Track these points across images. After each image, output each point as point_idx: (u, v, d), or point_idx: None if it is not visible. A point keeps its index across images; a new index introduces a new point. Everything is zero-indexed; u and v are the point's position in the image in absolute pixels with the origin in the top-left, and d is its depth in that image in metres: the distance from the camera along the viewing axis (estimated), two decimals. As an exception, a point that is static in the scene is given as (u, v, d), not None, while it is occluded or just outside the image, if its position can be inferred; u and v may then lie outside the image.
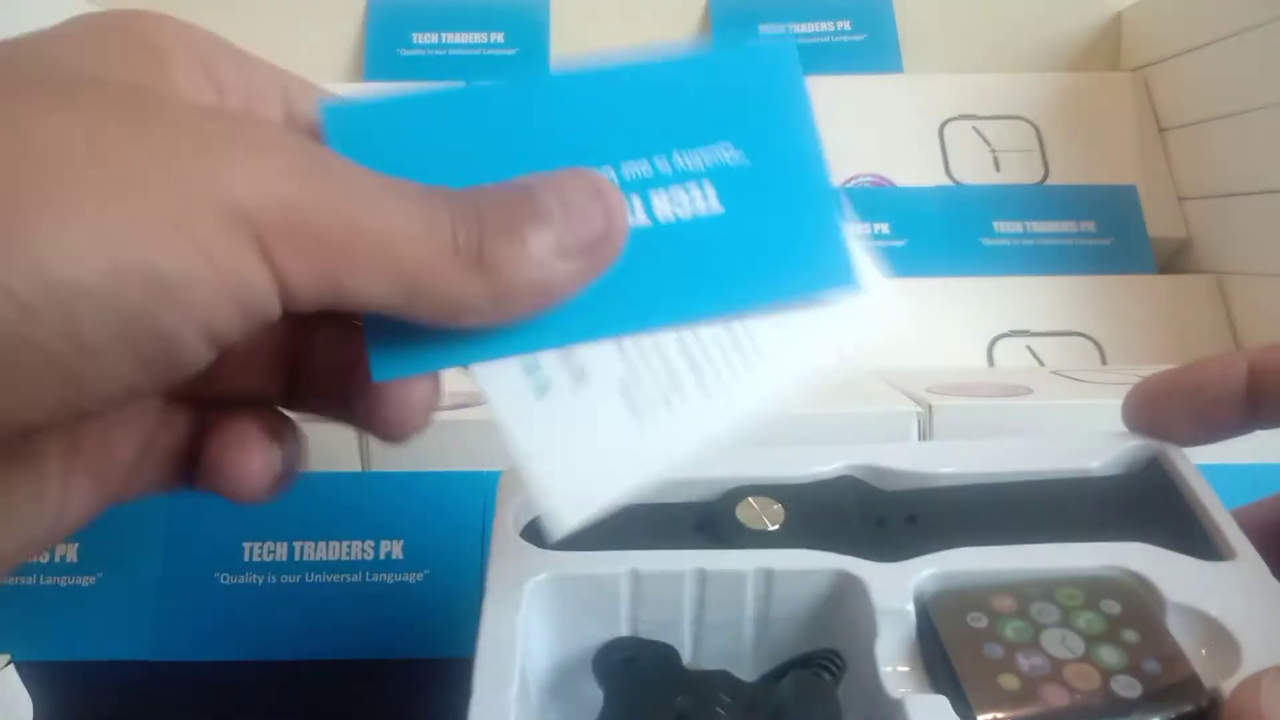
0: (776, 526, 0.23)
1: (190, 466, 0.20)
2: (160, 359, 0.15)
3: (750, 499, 0.24)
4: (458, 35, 0.65)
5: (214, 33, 0.19)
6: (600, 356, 0.19)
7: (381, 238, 0.16)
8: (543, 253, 0.17)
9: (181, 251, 0.15)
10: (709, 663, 0.23)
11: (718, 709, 0.20)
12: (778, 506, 0.24)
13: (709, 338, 0.19)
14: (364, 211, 0.16)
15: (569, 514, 0.17)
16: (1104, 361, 0.50)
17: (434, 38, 0.65)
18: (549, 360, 0.19)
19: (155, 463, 0.20)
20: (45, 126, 0.14)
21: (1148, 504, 0.23)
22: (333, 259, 0.16)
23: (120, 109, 0.15)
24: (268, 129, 0.17)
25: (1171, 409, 0.24)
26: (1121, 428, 0.25)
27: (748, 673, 0.23)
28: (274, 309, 0.16)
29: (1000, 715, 0.18)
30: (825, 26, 0.65)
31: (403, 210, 0.17)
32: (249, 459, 0.19)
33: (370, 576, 0.34)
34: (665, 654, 0.22)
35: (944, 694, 0.19)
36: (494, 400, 0.18)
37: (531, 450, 0.18)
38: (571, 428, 0.18)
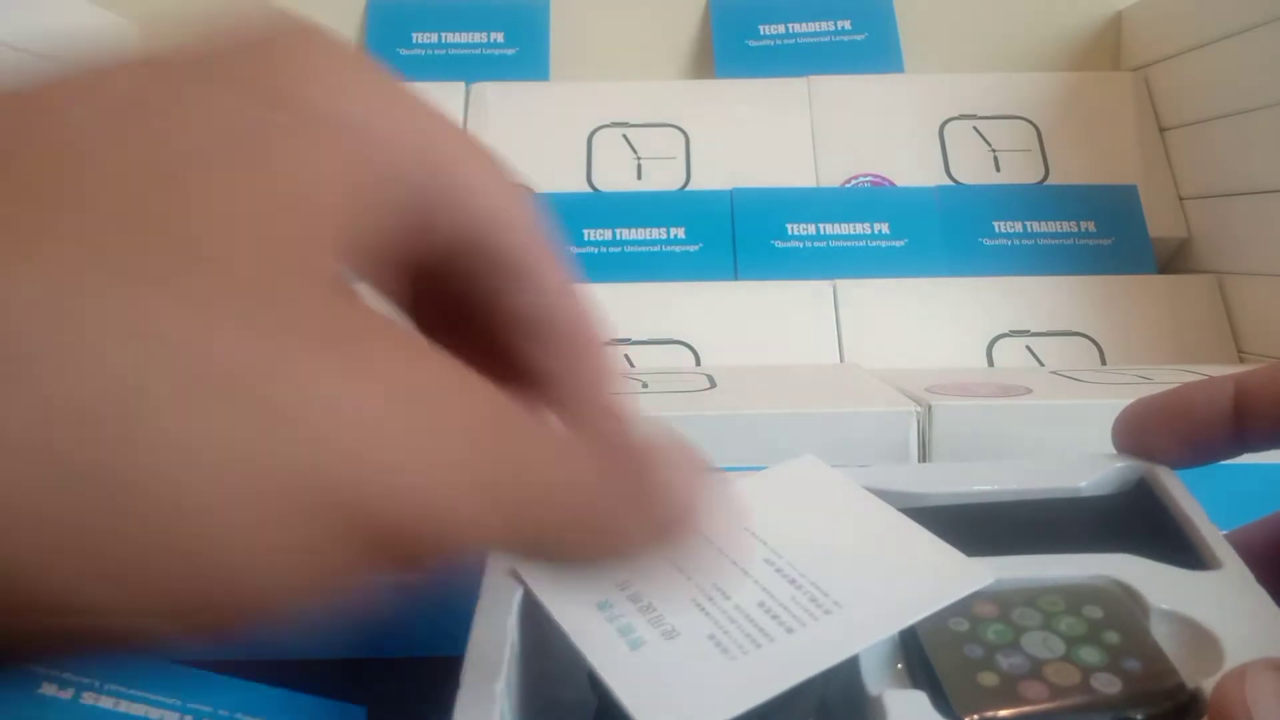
0: None
1: None
2: None
3: None
4: (457, 35, 0.65)
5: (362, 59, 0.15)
6: (688, 619, 0.20)
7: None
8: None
9: None
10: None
11: None
12: None
13: (788, 598, 0.20)
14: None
15: None
16: (1104, 362, 0.50)
17: (434, 37, 0.65)
18: (641, 624, 0.20)
19: None
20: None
21: (1134, 520, 0.23)
22: None
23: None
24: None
25: (1160, 432, 0.24)
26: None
27: None
28: None
29: (980, 711, 0.18)
30: (825, 26, 0.65)
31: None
32: None
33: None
34: None
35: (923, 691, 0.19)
36: (591, 655, 0.20)
37: (627, 686, 0.19)
38: (667, 670, 0.19)
